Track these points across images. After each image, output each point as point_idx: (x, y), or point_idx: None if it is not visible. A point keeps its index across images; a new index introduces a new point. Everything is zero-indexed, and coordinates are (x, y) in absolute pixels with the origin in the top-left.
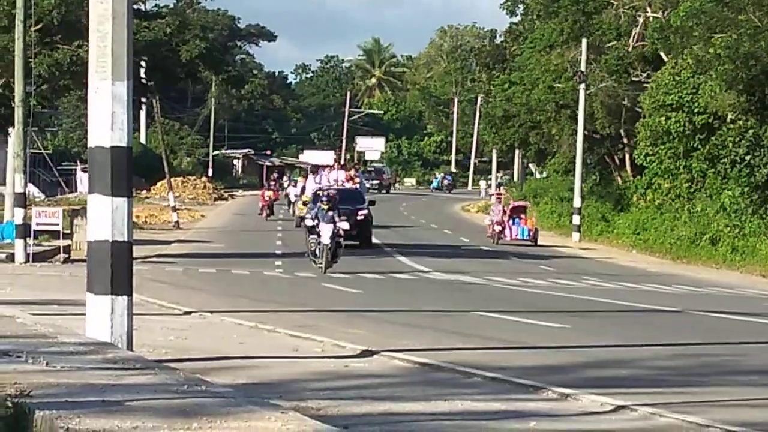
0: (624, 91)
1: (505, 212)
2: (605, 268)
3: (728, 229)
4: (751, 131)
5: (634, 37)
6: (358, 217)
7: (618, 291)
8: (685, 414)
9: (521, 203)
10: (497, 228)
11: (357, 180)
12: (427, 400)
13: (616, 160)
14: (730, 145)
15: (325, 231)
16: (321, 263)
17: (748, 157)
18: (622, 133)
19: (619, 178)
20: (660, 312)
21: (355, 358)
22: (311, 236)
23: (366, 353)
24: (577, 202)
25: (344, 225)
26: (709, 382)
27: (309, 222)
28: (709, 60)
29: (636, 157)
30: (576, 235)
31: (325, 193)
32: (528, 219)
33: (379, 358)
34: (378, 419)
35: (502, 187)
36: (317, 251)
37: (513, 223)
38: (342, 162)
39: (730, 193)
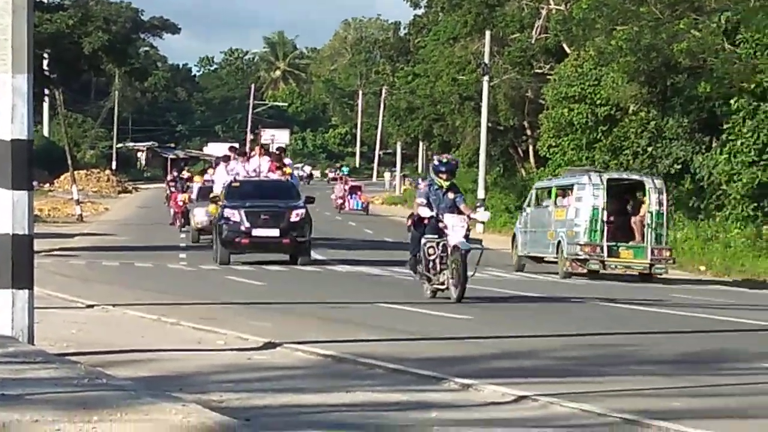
0: (527, 83)
1: (345, 190)
2: (510, 260)
3: None
4: (653, 122)
5: (537, 29)
6: (293, 219)
7: (521, 282)
8: (585, 403)
9: (357, 183)
10: (339, 201)
11: (288, 170)
12: (328, 391)
13: (520, 152)
14: (633, 136)
15: (456, 226)
16: (443, 282)
17: (650, 149)
18: (526, 125)
19: (522, 170)
20: (564, 302)
21: (258, 351)
22: (426, 237)
23: (269, 345)
24: (480, 194)
25: (484, 215)
26: (611, 372)
27: (425, 211)
28: (611, 52)
29: (539, 148)
30: (480, 227)
31: (444, 159)
32: (362, 195)
33: (281, 350)
34: (280, 411)
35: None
36: (436, 261)
37: (351, 198)
38: (266, 147)
39: None
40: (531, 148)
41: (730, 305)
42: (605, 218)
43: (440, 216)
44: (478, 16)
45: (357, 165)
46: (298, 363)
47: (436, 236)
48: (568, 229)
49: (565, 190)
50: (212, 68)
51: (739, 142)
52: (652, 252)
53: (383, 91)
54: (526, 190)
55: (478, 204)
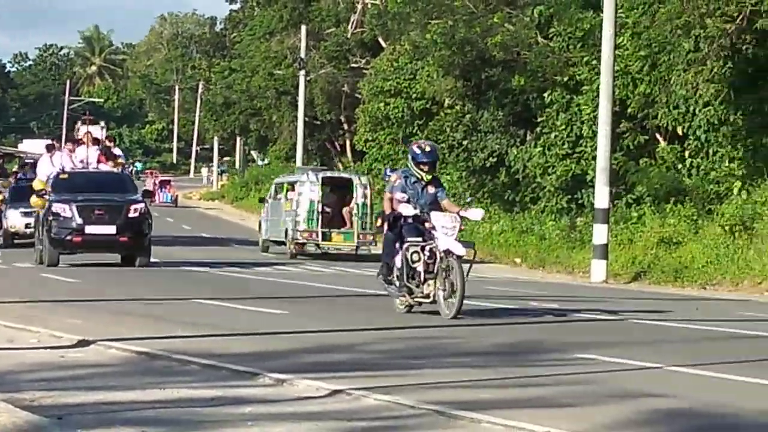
0: (343, 78)
1: (155, 184)
2: (329, 255)
3: None
4: (468, 116)
5: (353, 23)
6: (131, 214)
7: (339, 276)
8: (397, 395)
9: (167, 178)
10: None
11: (120, 161)
12: (143, 388)
13: (337, 146)
14: (448, 130)
15: (447, 226)
16: (429, 295)
17: (465, 142)
18: (343, 119)
19: (340, 164)
20: (379, 296)
21: (71, 348)
22: (409, 240)
23: (83, 343)
24: None
25: (477, 213)
26: (424, 365)
27: (407, 209)
28: (426, 46)
29: (356, 142)
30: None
31: (427, 147)
32: (171, 188)
33: (95, 347)
34: (93, 408)
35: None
36: (420, 269)
37: (161, 191)
38: (95, 136)
39: (448, 177)
40: (348, 142)
41: (543, 296)
42: (320, 209)
43: (425, 215)
44: (293, 11)
45: (174, 161)
46: (112, 360)
47: (420, 239)
48: (293, 218)
49: (293, 186)
50: (27, 64)
51: (552, 135)
52: (358, 236)
53: (200, 86)
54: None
55: (469, 199)
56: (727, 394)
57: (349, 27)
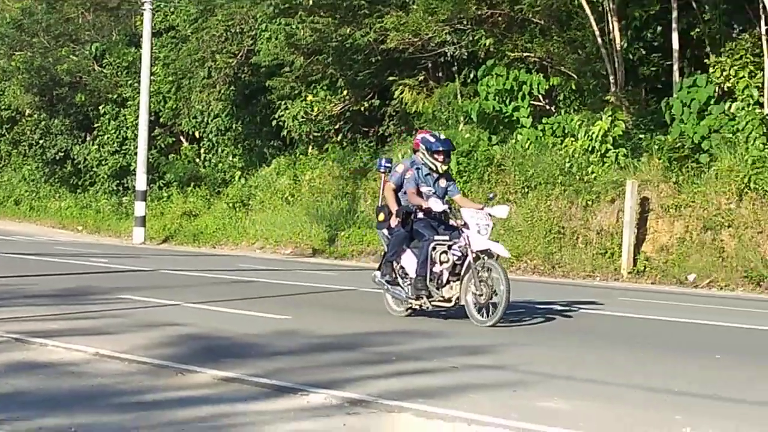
0: None
1: None
2: None
3: (28, 193)
4: (43, 122)
5: None
6: None
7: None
8: None
9: None
10: None
11: None
12: None
13: None
14: (28, 132)
15: (481, 224)
16: (450, 299)
17: (41, 141)
18: None
19: None
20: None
21: None
22: (436, 239)
23: None
24: None
25: (503, 210)
26: (7, 305)
27: (437, 204)
28: (12, 71)
29: None
30: None
31: (442, 137)
32: None
33: None
34: None
35: None
36: (445, 271)
37: None
38: None
39: (29, 167)
40: None
41: (98, 253)
42: None
43: (455, 211)
44: None
45: None
46: None
47: (446, 238)
48: None
49: None
50: None
51: (106, 137)
52: None
53: None
54: None
55: (490, 195)
56: (227, 322)
57: None
